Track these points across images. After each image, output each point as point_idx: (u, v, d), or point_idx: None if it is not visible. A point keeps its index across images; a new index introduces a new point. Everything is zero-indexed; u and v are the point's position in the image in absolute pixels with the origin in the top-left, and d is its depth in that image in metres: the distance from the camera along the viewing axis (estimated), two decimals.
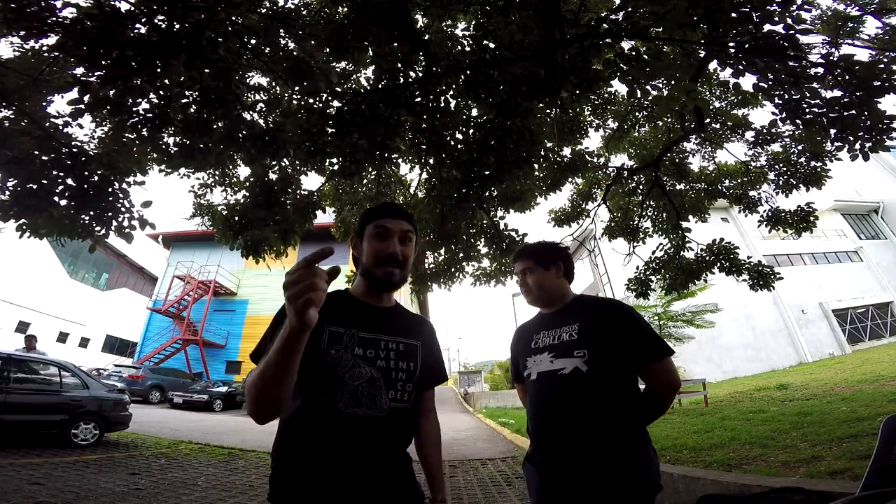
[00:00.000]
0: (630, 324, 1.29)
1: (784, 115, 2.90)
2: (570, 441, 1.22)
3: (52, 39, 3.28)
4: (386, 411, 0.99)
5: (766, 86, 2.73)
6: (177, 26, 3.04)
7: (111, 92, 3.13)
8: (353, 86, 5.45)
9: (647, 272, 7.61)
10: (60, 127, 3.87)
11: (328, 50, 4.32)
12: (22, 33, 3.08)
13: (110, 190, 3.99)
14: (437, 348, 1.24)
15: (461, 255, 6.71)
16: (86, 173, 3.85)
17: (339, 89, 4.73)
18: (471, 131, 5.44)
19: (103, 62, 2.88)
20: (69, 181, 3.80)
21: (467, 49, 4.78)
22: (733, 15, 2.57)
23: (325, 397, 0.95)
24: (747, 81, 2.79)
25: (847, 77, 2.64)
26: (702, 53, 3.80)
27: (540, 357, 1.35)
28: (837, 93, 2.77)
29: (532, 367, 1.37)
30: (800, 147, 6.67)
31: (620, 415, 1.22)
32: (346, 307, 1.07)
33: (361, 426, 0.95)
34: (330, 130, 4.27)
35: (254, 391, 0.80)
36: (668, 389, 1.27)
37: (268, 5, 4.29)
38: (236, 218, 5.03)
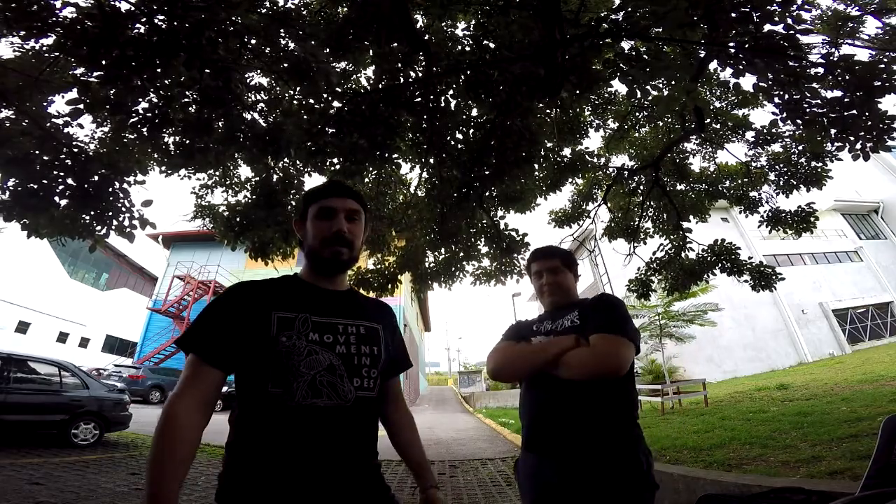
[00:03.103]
0: (607, 307, 1.33)
1: (784, 115, 2.90)
2: (569, 434, 1.21)
3: (52, 39, 3.29)
4: (352, 401, 0.92)
5: (766, 86, 2.73)
6: (177, 26, 3.04)
7: (111, 92, 3.13)
8: (354, 86, 5.45)
9: (648, 273, 7.61)
10: (60, 127, 3.87)
11: (328, 50, 4.31)
12: (22, 33, 3.08)
13: (110, 190, 3.99)
14: (399, 334, 1.18)
15: (461, 254, 6.71)
16: (86, 173, 3.85)
17: (339, 89, 4.72)
18: (471, 131, 5.44)
19: (103, 62, 2.88)
20: (69, 181, 3.80)
21: (467, 49, 4.77)
22: (733, 15, 2.57)
23: (278, 389, 0.87)
24: (747, 81, 2.79)
25: (847, 77, 2.64)
26: (702, 53, 3.79)
27: (544, 339, 1.39)
28: (838, 93, 2.77)
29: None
30: (800, 147, 6.67)
31: (617, 403, 1.24)
32: (296, 291, 1.00)
33: (323, 418, 0.88)
34: (330, 130, 4.27)
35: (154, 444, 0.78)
36: (591, 357, 1.19)
37: (268, 5, 4.28)
38: (237, 219, 5.04)
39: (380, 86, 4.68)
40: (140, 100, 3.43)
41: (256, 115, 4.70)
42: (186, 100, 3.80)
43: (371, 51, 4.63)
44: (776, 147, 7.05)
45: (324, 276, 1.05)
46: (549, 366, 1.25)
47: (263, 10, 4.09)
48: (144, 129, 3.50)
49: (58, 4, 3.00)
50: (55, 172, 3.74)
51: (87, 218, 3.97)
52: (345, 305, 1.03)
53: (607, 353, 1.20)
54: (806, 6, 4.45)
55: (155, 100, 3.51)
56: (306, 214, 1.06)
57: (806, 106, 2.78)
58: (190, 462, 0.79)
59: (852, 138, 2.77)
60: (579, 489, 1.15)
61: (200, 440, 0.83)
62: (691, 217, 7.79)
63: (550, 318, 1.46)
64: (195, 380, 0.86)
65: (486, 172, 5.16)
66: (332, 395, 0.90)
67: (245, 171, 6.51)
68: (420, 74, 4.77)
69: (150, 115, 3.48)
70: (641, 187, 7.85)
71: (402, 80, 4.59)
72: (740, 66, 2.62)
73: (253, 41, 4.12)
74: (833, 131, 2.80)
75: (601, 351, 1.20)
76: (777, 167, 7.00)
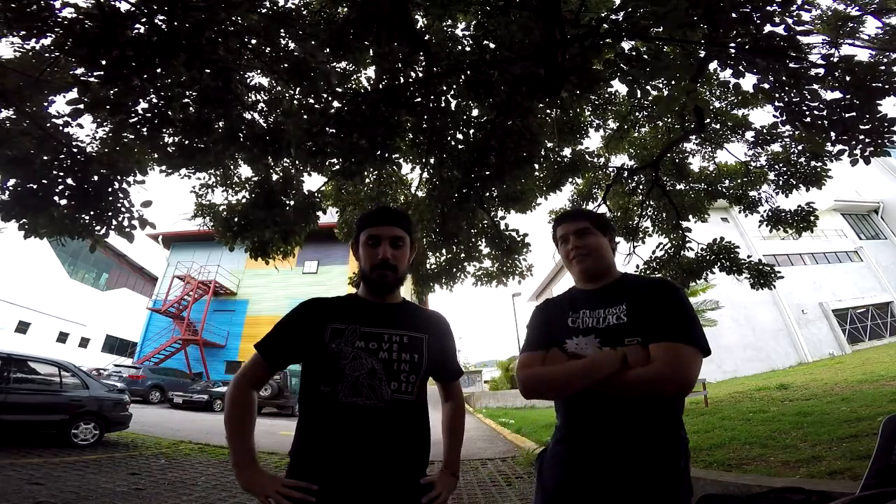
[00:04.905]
0: (670, 303, 1.09)
1: (784, 117, 2.90)
2: (609, 434, 1.07)
3: (51, 39, 3.29)
4: (388, 402, 1.03)
5: (766, 87, 2.73)
6: (177, 26, 3.04)
7: (111, 92, 3.14)
8: (354, 86, 5.45)
9: (648, 271, 7.61)
10: (60, 127, 3.87)
11: (328, 50, 4.31)
12: (22, 33, 3.08)
13: (110, 190, 3.99)
14: (452, 343, 1.27)
15: (462, 255, 6.71)
16: (86, 173, 3.85)
17: (339, 89, 4.72)
18: (471, 131, 5.44)
19: (103, 62, 2.88)
20: (69, 181, 3.80)
21: (467, 49, 4.78)
22: (733, 15, 2.57)
23: (327, 389, 1.03)
24: (748, 82, 2.80)
25: (847, 78, 2.64)
26: (702, 53, 3.80)
27: (584, 340, 1.12)
28: (838, 94, 2.77)
29: (575, 351, 1.14)
30: (800, 147, 6.67)
31: (668, 421, 1.08)
32: (351, 306, 1.17)
33: (363, 415, 1.01)
34: (330, 131, 4.27)
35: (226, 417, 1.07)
36: (663, 371, 0.97)
37: (268, 5, 4.28)
38: (236, 219, 5.03)
39: (380, 86, 4.68)
40: (140, 100, 3.43)
41: (256, 115, 4.70)
42: (186, 100, 3.80)
43: (371, 51, 4.63)
44: (776, 147, 7.06)
45: (375, 294, 1.19)
46: (595, 386, 1.04)
47: (263, 10, 4.09)
48: (144, 130, 3.50)
49: (57, 4, 3.00)
50: (55, 172, 3.74)
51: (87, 218, 3.96)
52: (393, 317, 1.16)
53: (676, 375, 0.96)
54: (806, 6, 4.45)
55: (155, 100, 3.51)
56: (359, 239, 1.20)
57: (806, 109, 2.78)
58: (252, 418, 1.08)
59: (853, 142, 2.77)
60: (612, 480, 1.03)
61: (255, 403, 1.11)
62: (691, 216, 7.79)
63: (588, 305, 1.18)
64: (252, 367, 1.11)
65: (487, 173, 5.16)
66: (370, 395, 1.03)
67: (245, 171, 6.51)
68: (420, 74, 4.77)
69: (150, 115, 3.48)
70: (641, 187, 7.86)
71: (402, 80, 4.59)
72: (740, 67, 2.63)
73: (253, 41, 4.12)
74: (833, 134, 2.80)
75: (669, 373, 0.96)
76: (777, 167, 7.01)
